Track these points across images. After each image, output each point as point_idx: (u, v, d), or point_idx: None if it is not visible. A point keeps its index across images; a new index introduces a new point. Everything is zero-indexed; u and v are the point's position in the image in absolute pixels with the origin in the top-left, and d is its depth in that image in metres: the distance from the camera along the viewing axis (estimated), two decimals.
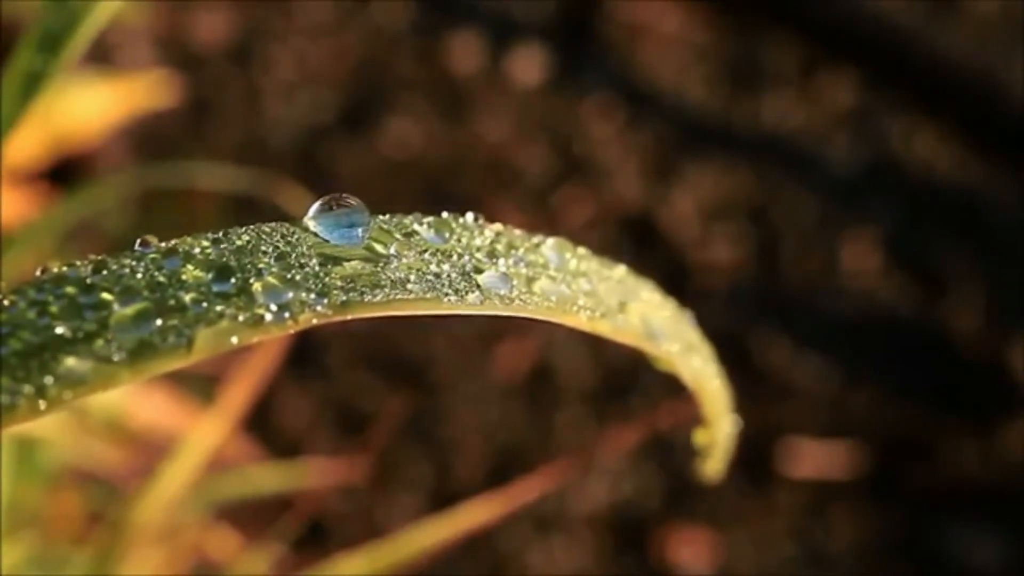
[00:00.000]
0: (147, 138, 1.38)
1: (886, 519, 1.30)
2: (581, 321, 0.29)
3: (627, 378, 1.35)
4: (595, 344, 1.36)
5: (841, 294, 1.43)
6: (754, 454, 1.32)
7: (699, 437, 0.37)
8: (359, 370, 1.33)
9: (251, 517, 1.00)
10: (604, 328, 0.30)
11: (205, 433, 0.65)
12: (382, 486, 1.27)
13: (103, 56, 1.32)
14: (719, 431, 0.37)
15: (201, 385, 0.92)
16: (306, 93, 1.50)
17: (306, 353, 1.32)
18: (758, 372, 1.36)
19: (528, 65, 1.55)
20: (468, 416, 1.32)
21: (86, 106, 1.04)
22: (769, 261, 1.44)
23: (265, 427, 1.25)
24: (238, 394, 0.65)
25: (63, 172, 1.11)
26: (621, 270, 0.32)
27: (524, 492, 0.59)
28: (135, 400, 0.87)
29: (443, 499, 1.23)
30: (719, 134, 1.53)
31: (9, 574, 0.71)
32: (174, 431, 0.85)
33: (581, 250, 0.31)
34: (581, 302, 0.29)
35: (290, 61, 1.52)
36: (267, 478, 0.91)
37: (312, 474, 0.94)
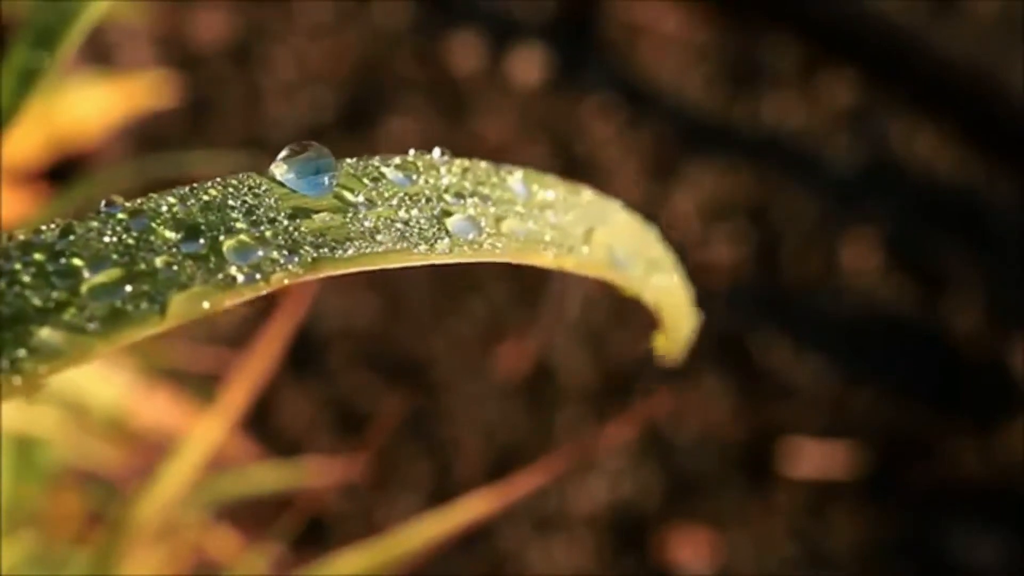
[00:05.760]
0: (147, 138, 1.38)
1: (886, 519, 1.30)
2: (547, 259, 0.29)
3: (627, 378, 1.35)
4: (595, 344, 1.36)
5: (841, 294, 1.43)
6: (754, 454, 1.32)
7: (656, 339, 0.37)
8: (359, 370, 1.33)
9: (251, 517, 1.00)
10: (569, 264, 0.29)
11: (205, 433, 0.65)
12: (382, 486, 1.27)
13: (103, 56, 1.32)
14: (681, 331, 0.36)
15: (201, 385, 0.92)
16: (306, 93, 1.50)
17: (306, 353, 1.32)
18: (758, 372, 1.36)
19: (528, 65, 1.55)
20: (468, 416, 1.32)
21: (86, 106, 1.04)
22: (769, 261, 1.44)
23: (265, 427, 1.25)
24: (238, 394, 0.65)
25: (63, 172, 1.11)
26: (588, 194, 0.32)
27: (522, 487, 0.59)
28: (135, 400, 0.87)
29: (443, 499, 1.23)
30: (719, 134, 1.53)
31: (9, 574, 0.71)
32: (174, 431, 0.85)
33: (548, 178, 0.31)
34: (548, 238, 0.29)
35: (290, 61, 1.52)
36: (267, 477, 0.91)
37: (312, 473, 0.94)
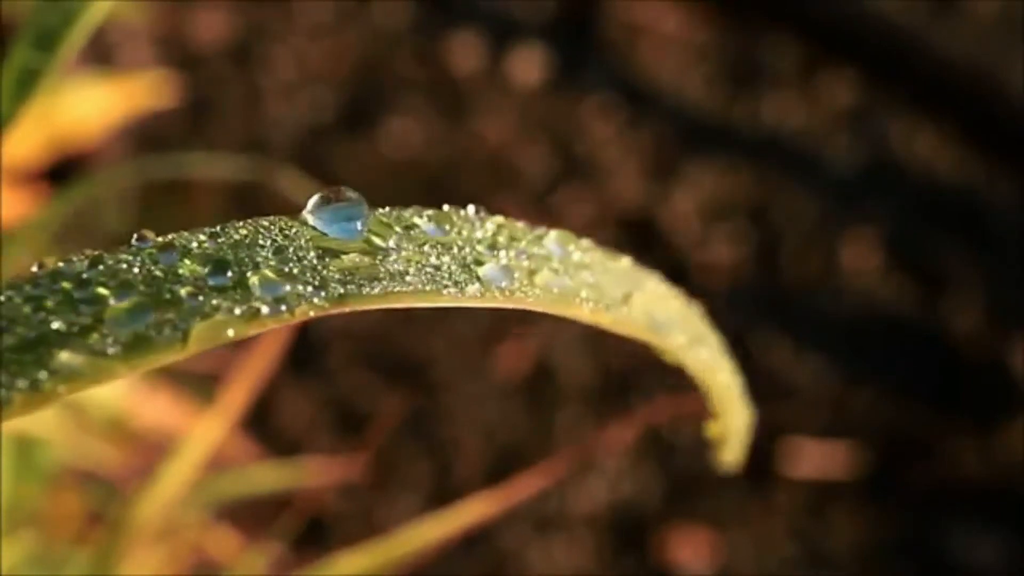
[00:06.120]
0: (147, 138, 1.38)
1: (886, 519, 1.30)
2: (584, 313, 0.29)
3: (627, 378, 1.35)
4: (595, 344, 1.36)
5: (841, 294, 1.43)
6: (754, 454, 1.32)
7: (711, 430, 0.37)
8: (359, 370, 1.33)
9: (251, 516, 1.00)
10: (606, 320, 0.29)
11: (205, 433, 0.65)
12: (382, 485, 1.27)
13: (103, 56, 1.32)
14: (732, 422, 0.36)
15: (201, 385, 0.92)
16: (306, 93, 1.50)
17: (306, 353, 1.32)
18: (758, 372, 1.36)
19: (528, 65, 1.55)
20: (468, 416, 1.32)
21: (86, 106, 1.04)
22: (769, 261, 1.44)
23: (265, 427, 1.25)
24: (238, 394, 0.65)
25: (63, 172, 1.11)
26: (625, 262, 0.32)
27: (523, 488, 0.59)
28: (135, 400, 0.87)
29: (443, 499, 1.23)
30: (719, 134, 1.53)
31: (9, 574, 0.71)
32: (174, 431, 0.85)
33: (584, 242, 0.31)
34: (584, 294, 0.29)
35: (290, 61, 1.52)
36: (267, 477, 0.91)
37: (312, 473, 0.94)
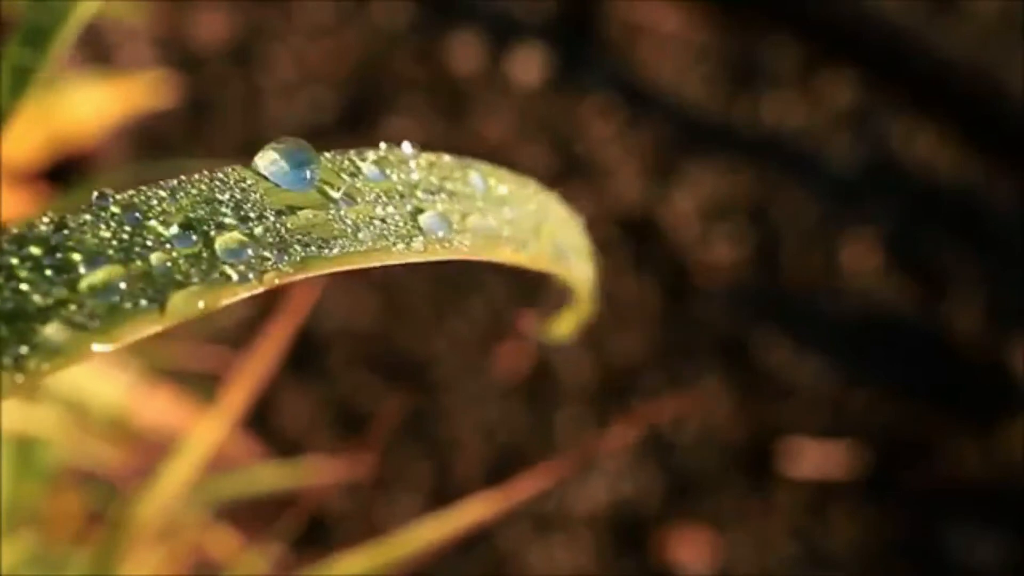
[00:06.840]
0: (146, 138, 1.38)
1: (886, 519, 1.30)
2: (506, 255, 0.30)
3: (627, 378, 1.35)
4: (595, 344, 1.36)
5: (841, 294, 1.43)
6: (754, 454, 1.32)
7: (565, 318, 0.39)
8: (359, 370, 1.33)
9: (251, 516, 1.00)
10: (524, 259, 0.30)
11: (205, 432, 0.65)
12: (382, 485, 1.27)
13: (103, 56, 1.32)
14: (582, 316, 0.39)
15: (201, 385, 0.92)
16: (306, 93, 1.50)
17: (306, 353, 1.32)
18: (758, 372, 1.36)
19: (528, 65, 1.55)
20: (468, 416, 1.32)
21: (85, 106, 1.04)
22: (769, 261, 1.44)
23: (265, 427, 1.25)
24: (238, 393, 0.65)
25: (62, 172, 1.11)
26: (532, 187, 0.33)
27: (523, 489, 0.59)
28: (135, 400, 0.87)
29: (443, 499, 1.23)
30: (719, 134, 1.53)
31: (9, 574, 0.71)
32: (174, 431, 0.85)
33: (502, 172, 0.32)
34: (506, 233, 0.30)
35: (290, 61, 1.52)
36: (267, 477, 0.91)
37: (312, 473, 0.94)
